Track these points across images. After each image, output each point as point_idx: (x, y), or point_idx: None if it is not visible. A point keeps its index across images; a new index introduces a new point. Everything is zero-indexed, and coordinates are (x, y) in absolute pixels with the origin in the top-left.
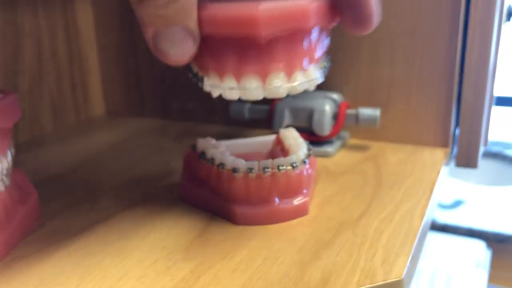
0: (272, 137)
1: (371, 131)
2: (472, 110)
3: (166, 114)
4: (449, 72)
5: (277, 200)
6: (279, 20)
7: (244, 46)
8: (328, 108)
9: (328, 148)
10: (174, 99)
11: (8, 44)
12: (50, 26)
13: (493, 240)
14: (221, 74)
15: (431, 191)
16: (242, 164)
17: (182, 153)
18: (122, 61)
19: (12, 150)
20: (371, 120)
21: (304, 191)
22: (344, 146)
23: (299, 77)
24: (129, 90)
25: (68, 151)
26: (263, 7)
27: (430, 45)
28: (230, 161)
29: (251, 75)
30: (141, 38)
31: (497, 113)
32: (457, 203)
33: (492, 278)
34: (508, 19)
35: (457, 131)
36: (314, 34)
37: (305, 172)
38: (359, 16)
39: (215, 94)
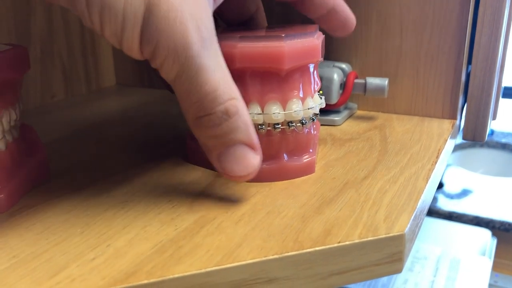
0: None
1: (379, 103)
2: (481, 83)
3: None
4: (458, 44)
5: (285, 157)
6: (297, 56)
7: (267, 78)
8: (336, 76)
9: (335, 117)
10: None
11: (20, 12)
12: None
13: (499, 229)
14: (246, 103)
15: (437, 156)
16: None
17: None
18: None
19: (21, 104)
20: (379, 90)
21: (310, 150)
22: (351, 116)
23: (310, 102)
24: (139, 62)
25: (78, 116)
26: (287, 46)
27: (440, 17)
28: None
29: (273, 102)
30: None
31: (506, 104)
32: (464, 192)
33: (496, 266)
34: None
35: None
36: (315, 68)
37: (312, 131)
38: (340, 22)
39: None
